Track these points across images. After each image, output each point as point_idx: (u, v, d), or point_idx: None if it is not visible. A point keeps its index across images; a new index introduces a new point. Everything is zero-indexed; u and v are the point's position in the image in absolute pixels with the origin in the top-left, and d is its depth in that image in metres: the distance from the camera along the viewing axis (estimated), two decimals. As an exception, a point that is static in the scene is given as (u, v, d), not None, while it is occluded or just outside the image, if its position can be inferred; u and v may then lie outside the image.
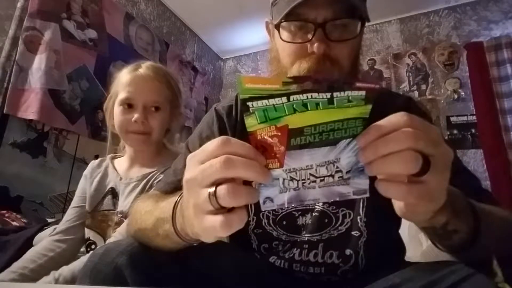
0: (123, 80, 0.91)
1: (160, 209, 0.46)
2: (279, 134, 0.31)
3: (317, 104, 0.30)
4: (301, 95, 0.30)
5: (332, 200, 0.35)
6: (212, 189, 0.31)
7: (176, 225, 0.41)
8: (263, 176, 0.31)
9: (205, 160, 0.32)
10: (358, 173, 0.33)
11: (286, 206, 0.35)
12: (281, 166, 0.32)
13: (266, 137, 0.32)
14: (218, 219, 0.31)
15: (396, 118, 0.32)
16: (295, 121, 0.31)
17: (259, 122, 0.31)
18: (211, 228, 0.32)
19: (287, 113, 0.30)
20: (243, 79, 0.30)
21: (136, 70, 0.91)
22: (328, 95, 0.30)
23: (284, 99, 0.30)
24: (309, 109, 0.30)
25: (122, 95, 0.89)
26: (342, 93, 0.30)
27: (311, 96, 0.30)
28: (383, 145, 0.31)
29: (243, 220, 0.31)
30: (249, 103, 0.30)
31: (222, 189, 0.30)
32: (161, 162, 0.92)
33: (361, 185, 0.34)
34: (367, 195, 0.34)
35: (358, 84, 0.31)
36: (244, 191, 0.31)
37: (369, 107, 0.32)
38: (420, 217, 0.37)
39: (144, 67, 0.92)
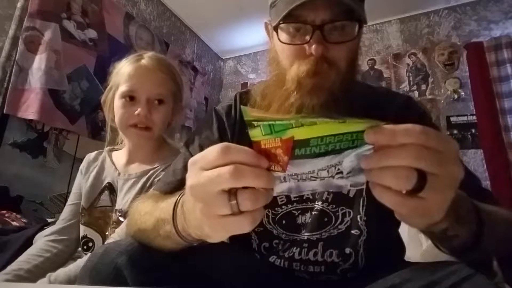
0: (125, 71, 0.85)
1: (160, 210, 0.46)
2: (283, 145, 0.31)
3: (327, 123, 0.30)
4: (311, 119, 0.30)
5: (330, 190, 0.36)
6: (232, 197, 0.32)
7: (177, 226, 0.41)
8: (270, 183, 0.32)
9: (207, 168, 0.33)
10: (358, 172, 0.34)
11: (286, 194, 0.36)
12: (284, 171, 0.32)
13: (270, 147, 0.31)
14: (243, 218, 0.32)
15: (412, 130, 0.31)
16: (302, 133, 0.30)
17: (263, 134, 0.31)
18: (235, 227, 0.33)
19: (294, 126, 0.30)
20: (250, 110, 0.30)
21: (138, 61, 0.86)
22: (341, 120, 0.30)
23: (293, 120, 0.30)
24: (317, 124, 0.30)
25: (123, 87, 0.84)
26: (356, 119, 0.30)
27: (322, 119, 0.30)
28: (385, 158, 0.31)
29: (263, 214, 0.34)
30: (255, 122, 0.30)
31: (243, 197, 0.32)
32: (161, 157, 0.89)
33: (359, 178, 0.34)
34: (364, 186, 0.35)
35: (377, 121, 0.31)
36: (263, 196, 0.32)
37: (383, 123, 0.31)
38: (415, 226, 0.38)
39: (147, 57, 0.87)
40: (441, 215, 0.35)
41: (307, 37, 0.52)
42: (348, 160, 0.33)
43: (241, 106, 0.33)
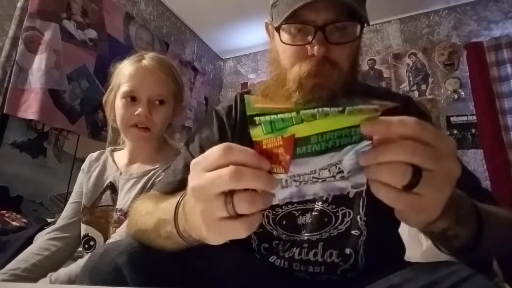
0: (126, 71, 0.86)
1: (161, 210, 0.46)
2: (285, 144, 0.31)
3: (327, 115, 0.30)
4: (311, 110, 0.30)
5: (332, 194, 0.36)
6: (228, 199, 0.32)
7: (178, 226, 0.41)
8: (270, 185, 0.32)
9: (209, 169, 0.33)
10: (358, 171, 0.34)
11: (287, 201, 0.36)
12: (286, 172, 0.32)
13: (271, 146, 0.31)
14: (238, 223, 0.32)
15: (408, 121, 0.31)
16: (302, 130, 0.30)
17: (265, 133, 0.31)
18: (231, 231, 0.33)
19: (294, 123, 0.30)
20: (253, 100, 0.30)
21: (140, 61, 0.87)
22: (341, 108, 0.30)
23: (294, 113, 0.30)
24: (317, 118, 0.30)
25: (124, 87, 0.85)
26: (355, 106, 0.30)
27: (322, 110, 0.30)
28: (381, 153, 0.31)
29: (260, 220, 0.33)
30: (256, 118, 0.30)
31: (239, 199, 0.31)
32: (162, 158, 0.89)
33: (359, 179, 0.34)
34: (364, 188, 0.35)
35: (374, 101, 0.31)
36: (260, 199, 0.32)
37: (379, 114, 0.31)
38: (413, 224, 0.38)
39: (148, 58, 0.88)
40: (438, 212, 0.35)
41: (309, 38, 0.52)
42: (348, 158, 0.33)
43: (245, 96, 0.32)
